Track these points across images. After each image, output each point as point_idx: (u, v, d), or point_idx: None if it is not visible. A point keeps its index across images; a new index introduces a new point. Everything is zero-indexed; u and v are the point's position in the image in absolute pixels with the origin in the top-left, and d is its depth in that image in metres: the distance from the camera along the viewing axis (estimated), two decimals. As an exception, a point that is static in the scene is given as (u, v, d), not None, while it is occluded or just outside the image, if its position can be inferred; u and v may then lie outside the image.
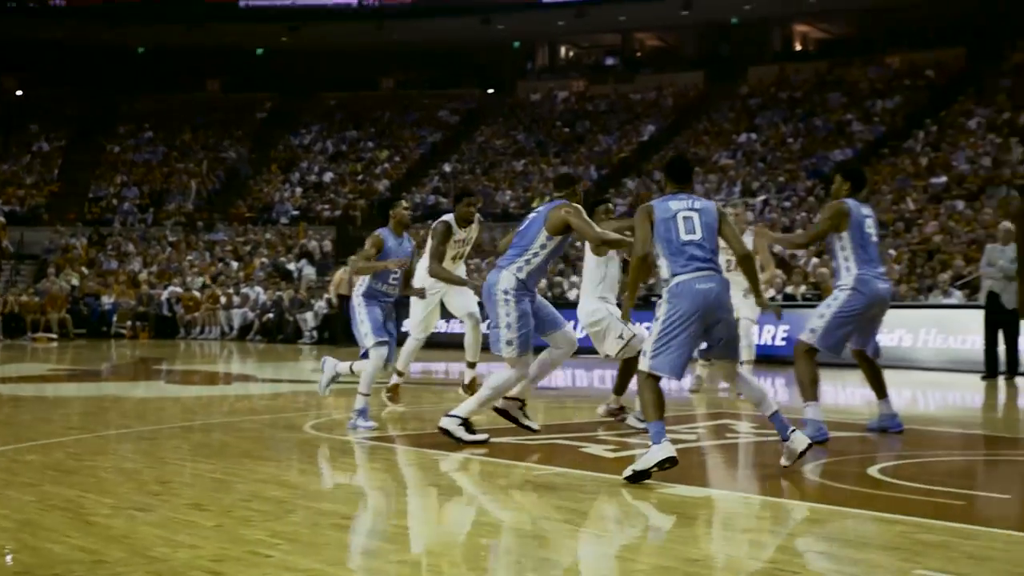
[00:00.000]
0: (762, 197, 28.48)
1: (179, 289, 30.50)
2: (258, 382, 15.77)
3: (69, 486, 6.72)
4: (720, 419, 10.48)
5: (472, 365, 11.52)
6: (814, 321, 8.66)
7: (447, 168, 38.09)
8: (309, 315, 26.93)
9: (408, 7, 40.81)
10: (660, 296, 6.97)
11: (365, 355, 9.86)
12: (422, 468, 7.89)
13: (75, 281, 31.70)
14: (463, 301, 11.34)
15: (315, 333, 26.57)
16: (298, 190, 38.24)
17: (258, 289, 29.47)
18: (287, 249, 33.45)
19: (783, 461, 7.05)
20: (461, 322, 11.76)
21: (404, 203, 10.67)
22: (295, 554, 4.99)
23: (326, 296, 26.53)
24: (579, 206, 8.14)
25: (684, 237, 6.89)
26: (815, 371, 8.66)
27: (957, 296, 18.32)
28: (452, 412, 8.37)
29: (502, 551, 5.29)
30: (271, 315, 27.94)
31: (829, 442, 8.33)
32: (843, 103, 34.58)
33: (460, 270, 11.32)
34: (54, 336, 28.39)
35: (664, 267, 6.89)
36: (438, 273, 10.17)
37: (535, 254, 8.12)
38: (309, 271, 30.66)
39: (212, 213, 37.73)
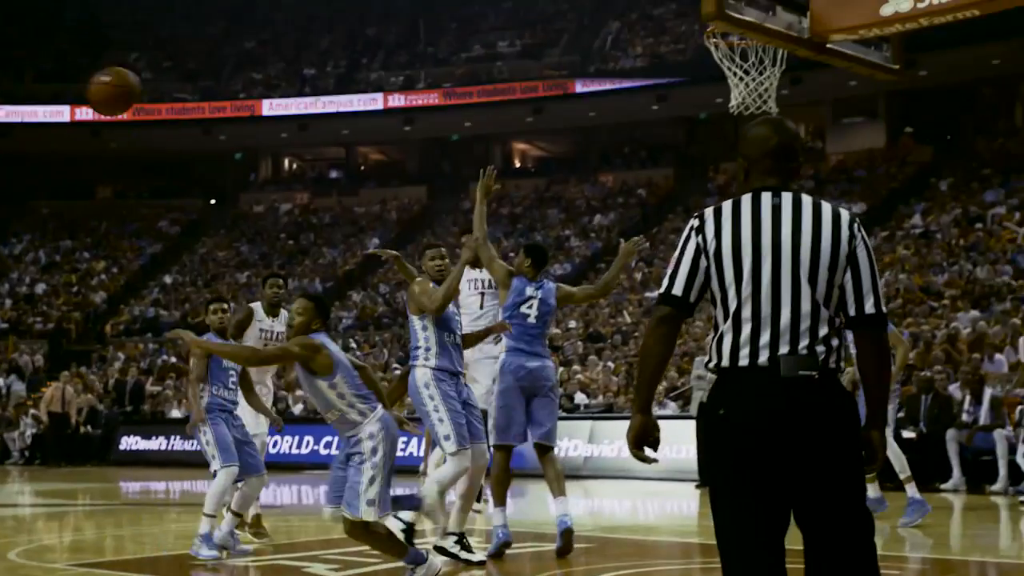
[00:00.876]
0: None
1: None
2: (-40, 507, 14.85)
3: None
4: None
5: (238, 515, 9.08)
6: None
7: (168, 280, 37.33)
8: (16, 434, 25.62)
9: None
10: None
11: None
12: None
13: None
14: (252, 415, 9.48)
15: (25, 453, 25.24)
16: (8, 302, 36.57)
17: (-39, 408, 27.87)
18: (-6, 364, 31.86)
19: None
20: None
21: (217, 304, 9.03)
22: None
23: (32, 412, 25.35)
24: (422, 281, 8.06)
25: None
26: (507, 473, 8.61)
27: (672, 407, 19.01)
28: (449, 531, 8.08)
29: None
30: (-25, 436, 26.43)
31: (549, 551, 8.37)
32: (561, 219, 35.79)
33: (268, 376, 9.92)
34: None
35: (357, 411, 6.90)
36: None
37: (426, 338, 7.95)
38: (19, 387, 29.22)
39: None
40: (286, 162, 46.74)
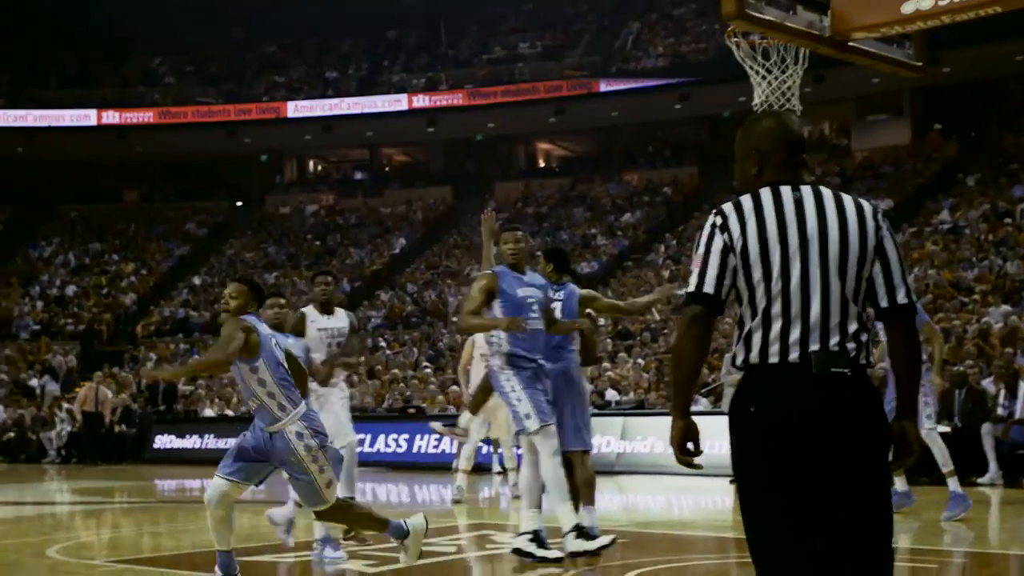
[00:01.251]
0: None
1: (-92, 409, 28.86)
2: (-1, 505, 15.01)
3: None
4: (481, 530, 10.55)
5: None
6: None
7: (196, 281, 37.55)
8: (53, 434, 25.87)
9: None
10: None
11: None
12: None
13: None
14: (333, 418, 8.96)
15: (62, 452, 25.50)
16: (39, 304, 36.90)
17: (-3, 407, 28.19)
18: (28, 365, 32.16)
19: None
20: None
21: (275, 300, 8.67)
22: None
23: (65, 407, 25.64)
24: (489, 272, 8.02)
25: None
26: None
27: (703, 403, 18.99)
28: (521, 530, 7.94)
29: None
30: (12, 434, 26.71)
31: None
32: (587, 218, 35.84)
33: (341, 378, 9.34)
34: None
35: (277, 403, 6.74)
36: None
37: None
38: (53, 387, 29.53)
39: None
40: (311, 164, 46.92)
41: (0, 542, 10.47)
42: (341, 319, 9.20)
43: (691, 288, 3.63)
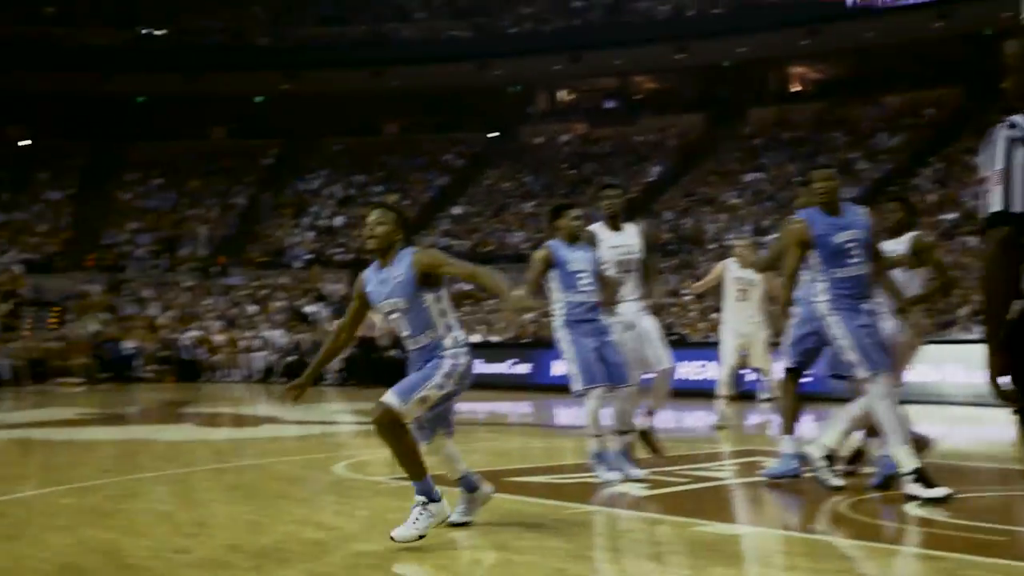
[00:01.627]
0: (773, 236, 28.72)
1: (198, 333, 30.68)
2: (286, 424, 15.72)
3: (106, 529, 6.66)
4: (750, 456, 10.52)
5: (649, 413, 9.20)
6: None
7: (457, 211, 38.32)
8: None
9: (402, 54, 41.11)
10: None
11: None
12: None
13: (96, 326, 31.69)
14: (649, 345, 8.76)
15: (344, 375, 26.44)
16: (310, 234, 38.45)
17: (277, 332, 29.60)
18: (303, 292, 33.62)
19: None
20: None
21: (573, 211, 8.41)
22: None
23: (335, 322, 26.63)
24: (800, 219, 7.76)
25: None
26: (797, 402, 8.27)
27: (978, 331, 18.38)
28: (903, 471, 7.34)
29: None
30: (292, 358, 28.02)
31: (859, 478, 8.18)
32: (846, 142, 34.87)
33: (629, 290, 8.70)
34: (79, 380, 28.44)
35: (452, 336, 6.37)
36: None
37: (813, 274, 7.76)
38: (327, 313, 30.77)
39: (227, 258, 37.91)
40: (562, 93, 47.06)
41: (289, 458, 11.02)
42: (632, 235, 8.67)
43: (996, 207, 3.38)
